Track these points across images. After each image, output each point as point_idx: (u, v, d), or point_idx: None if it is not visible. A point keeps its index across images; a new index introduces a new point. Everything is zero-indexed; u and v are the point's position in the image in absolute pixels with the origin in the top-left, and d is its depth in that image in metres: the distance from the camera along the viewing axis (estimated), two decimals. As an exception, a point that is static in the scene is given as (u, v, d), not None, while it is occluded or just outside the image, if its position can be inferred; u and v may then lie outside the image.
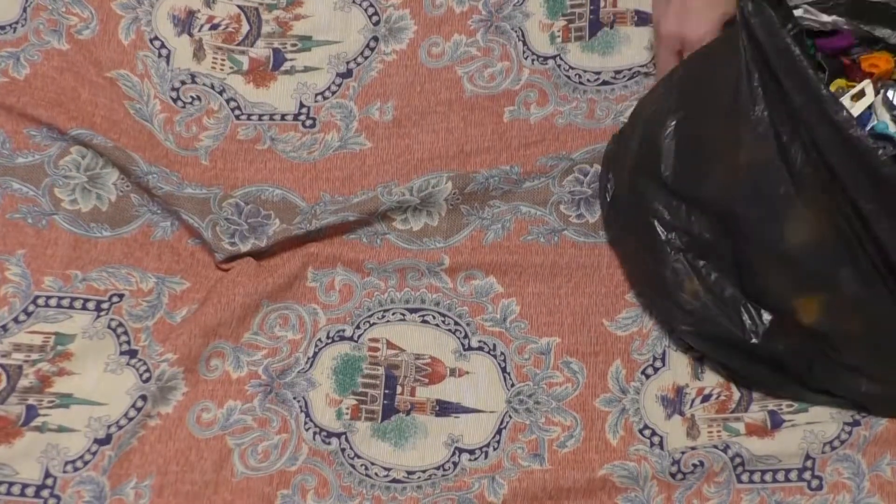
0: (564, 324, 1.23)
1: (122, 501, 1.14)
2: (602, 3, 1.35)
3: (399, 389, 1.20)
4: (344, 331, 1.23)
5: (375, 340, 1.22)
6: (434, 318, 1.23)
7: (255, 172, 1.29)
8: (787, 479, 1.16)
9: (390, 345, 1.22)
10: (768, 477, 1.16)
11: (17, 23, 1.33)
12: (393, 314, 1.23)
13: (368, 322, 1.23)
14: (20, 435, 1.17)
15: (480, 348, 1.22)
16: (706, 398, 1.19)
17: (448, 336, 1.22)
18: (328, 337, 1.22)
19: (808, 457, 1.16)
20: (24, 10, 1.33)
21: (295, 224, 1.25)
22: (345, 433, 1.18)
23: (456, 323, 1.23)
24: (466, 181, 1.26)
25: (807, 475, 1.16)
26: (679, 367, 1.21)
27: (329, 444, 1.18)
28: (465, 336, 1.22)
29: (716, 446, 1.16)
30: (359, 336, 1.22)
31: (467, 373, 1.21)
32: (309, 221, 1.25)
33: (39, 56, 1.31)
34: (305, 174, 1.29)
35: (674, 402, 1.19)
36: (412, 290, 1.24)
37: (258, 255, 1.25)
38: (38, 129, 1.28)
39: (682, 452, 1.16)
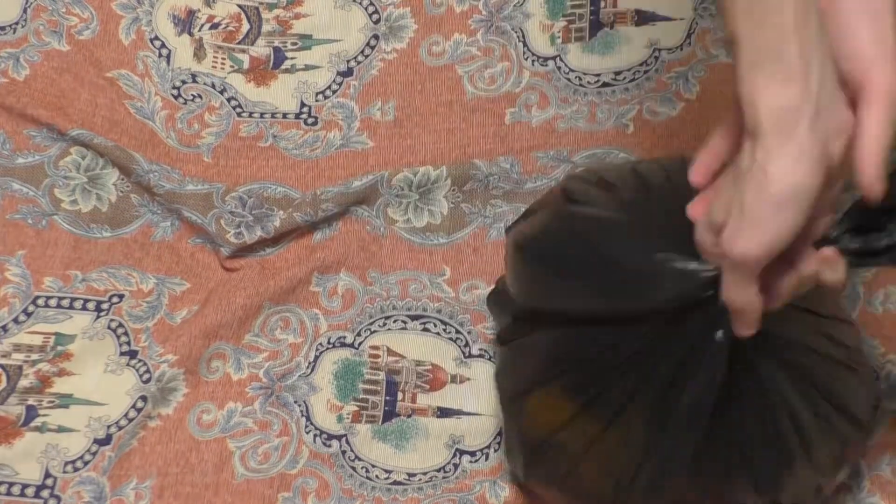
0: (565, 330, 1.23)
1: (123, 502, 1.14)
2: (602, 4, 1.34)
3: (400, 396, 1.20)
4: (344, 338, 1.23)
5: (376, 347, 1.22)
6: (435, 325, 1.23)
7: (258, 170, 1.29)
8: (787, 480, 1.16)
9: (391, 352, 1.22)
10: (768, 477, 1.16)
11: (17, 23, 1.32)
12: (395, 321, 1.23)
13: (370, 329, 1.23)
14: (20, 435, 1.17)
15: (481, 355, 1.22)
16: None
17: (449, 344, 1.22)
18: (329, 342, 1.22)
19: (808, 457, 1.16)
20: (25, 10, 1.33)
21: (300, 214, 1.25)
22: (345, 435, 1.18)
23: (457, 331, 1.23)
24: (466, 176, 1.26)
25: (807, 475, 1.16)
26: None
27: (329, 446, 1.18)
28: (466, 344, 1.22)
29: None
30: (359, 343, 1.22)
31: (468, 379, 1.20)
32: (314, 210, 1.25)
33: (39, 57, 1.31)
34: (308, 172, 1.29)
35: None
36: (414, 300, 1.24)
37: (264, 260, 1.26)
38: (39, 129, 1.27)
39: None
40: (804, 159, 0.69)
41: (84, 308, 1.22)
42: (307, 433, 1.18)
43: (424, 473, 1.17)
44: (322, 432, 1.18)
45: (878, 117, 0.73)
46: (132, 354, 1.21)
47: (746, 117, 0.70)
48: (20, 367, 1.19)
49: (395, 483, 1.16)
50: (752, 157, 0.70)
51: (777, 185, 0.69)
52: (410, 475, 1.17)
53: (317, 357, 1.22)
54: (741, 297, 0.77)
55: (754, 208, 0.70)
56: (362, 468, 1.17)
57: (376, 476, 1.16)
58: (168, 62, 1.33)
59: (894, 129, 0.74)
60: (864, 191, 0.73)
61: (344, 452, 1.17)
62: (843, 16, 0.73)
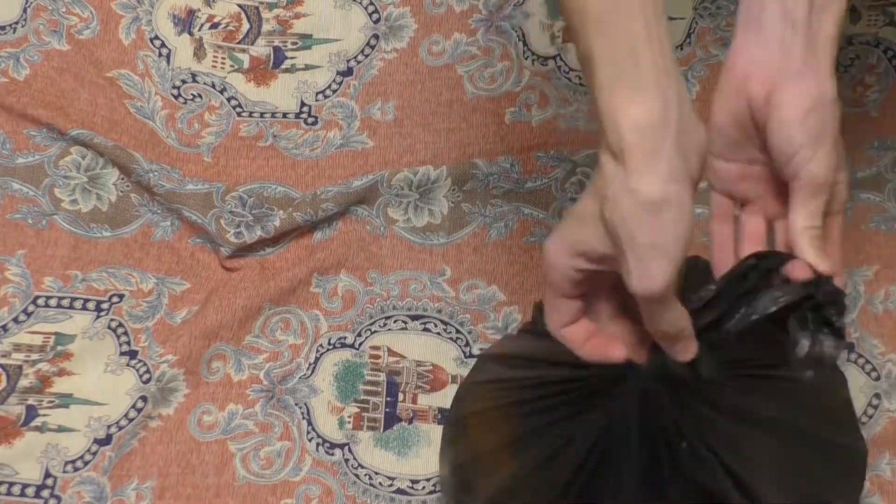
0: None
1: (123, 502, 1.14)
2: (603, 3, 1.34)
3: (401, 397, 1.20)
4: (345, 338, 1.22)
5: (376, 348, 1.22)
6: (436, 325, 1.23)
7: (258, 169, 1.29)
8: (787, 479, 1.16)
9: (391, 352, 1.22)
10: (768, 478, 1.16)
11: (17, 23, 1.32)
12: (395, 322, 1.23)
13: (370, 330, 1.23)
14: (20, 435, 1.17)
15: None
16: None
17: (449, 344, 1.22)
18: (329, 343, 1.22)
19: (807, 457, 1.16)
20: (25, 10, 1.33)
21: (300, 214, 1.25)
22: (347, 444, 1.18)
23: (457, 331, 1.23)
24: (466, 176, 1.27)
25: (806, 475, 1.16)
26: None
27: (332, 454, 1.18)
28: (467, 344, 1.22)
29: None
30: (360, 344, 1.22)
31: (469, 380, 1.21)
32: (314, 210, 1.25)
33: (39, 56, 1.31)
34: (308, 171, 1.29)
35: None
36: (414, 300, 1.24)
37: (264, 260, 1.26)
38: (38, 129, 1.27)
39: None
40: (672, 176, 0.68)
41: (84, 308, 1.22)
42: (309, 440, 1.18)
43: (428, 480, 1.17)
44: (324, 441, 1.18)
45: (808, 207, 0.77)
46: (132, 354, 1.21)
47: (609, 139, 0.69)
48: (20, 367, 1.19)
49: (399, 491, 1.16)
50: (619, 182, 0.69)
51: (651, 197, 0.68)
52: (414, 482, 1.17)
53: (317, 358, 1.21)
54: (668, 322, 0.75)
55: (637, 232, 0.69)
56: (365, 475, 1.17)
57: (380, 483, 1.16)
58: (168, 62, 1.32)
59: (821, 217, 0.78)
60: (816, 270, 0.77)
61: (347, 460, 1.17)
62: (782, 109, 0.77)
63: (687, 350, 0.78)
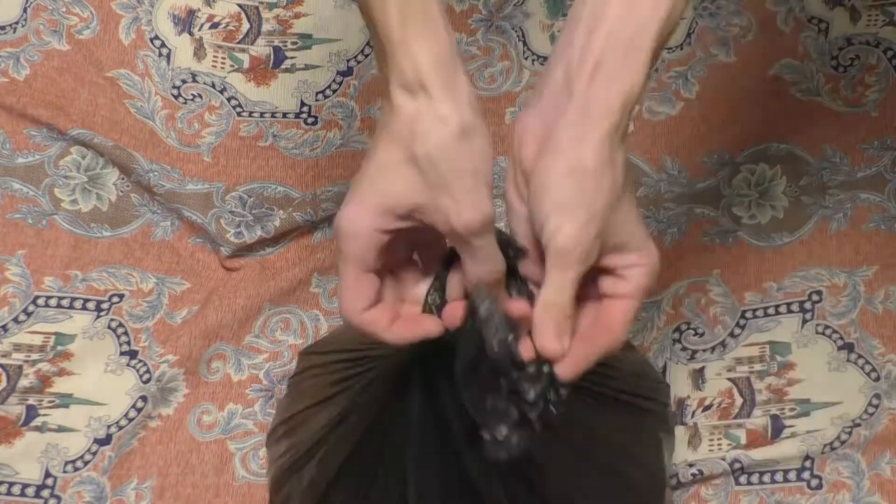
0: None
1: (123, 502, 1.14)
2: (603, 3, 1.34)
3: (400, 397, 1.20)
4: (345, 338, 1.22)
5: (376, 348, 1.22)
6: (435, 326, 1.23)
7: (258, 169, 1.29)
8: (787, 480, 1.16)
9: (391, 352, 1.22)
10: (767, 478, 1.16)
11: (17, 23, 1.32)
12: (395, 322, 1.23)
13: (369, 329, 1.23)
14: (20, 435, 1.17)
15: (481, 357, 1.22)
16: (707, 408, 1.19)
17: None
18: (329, 343, 1.22)
19: (807, 457, 1.16)
20: (25, 10, 1.33)
21: (300, 214, 1.25)
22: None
23: (457, 332, 1.22)
24: None
25: (806, 475, 1.16)
26: (680, 379, 1.20)
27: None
28: (466, 344, 1.22)
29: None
30: (360, 343, 1.22)
31: (468, 381, 1.20)
32: (314, 210, 1.25)
33: (39, 56, 1.31)
34: (308, 171, 1.29)
35: (675, 413, 1.19)
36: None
37: (264, 260, 1.26)
38: (39, 129, 1.27)
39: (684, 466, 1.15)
40: (471, 104, 0.71)
41: (84, 308, 1.22)
42: (307, 438, 1.18)
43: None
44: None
45: (552, 280, 0.73)
46: (132, 354, 1.21)
47: (407, 74, 0.70)
48: (20, 367, 1.19)
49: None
50: (429, 115, 0.71)
51: (462, 122, 0.70)
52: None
53: (317, 358, 1.21)
54: (490, 258, 0.75)
55: (456, 160, 0.70)
56: (363, 473, 1.17)
57: (378, 481, 1.17)
58: (168, 62, 1.32)
59: (572, 290, 0.73)
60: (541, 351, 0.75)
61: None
62: (536, 176, 0.73)
63: (496, 289, 0.77)
